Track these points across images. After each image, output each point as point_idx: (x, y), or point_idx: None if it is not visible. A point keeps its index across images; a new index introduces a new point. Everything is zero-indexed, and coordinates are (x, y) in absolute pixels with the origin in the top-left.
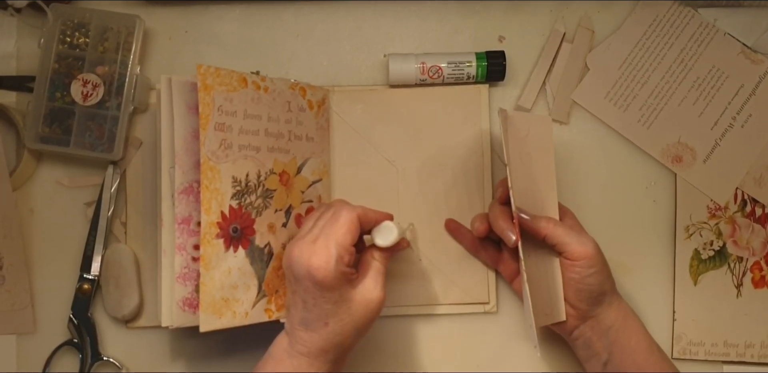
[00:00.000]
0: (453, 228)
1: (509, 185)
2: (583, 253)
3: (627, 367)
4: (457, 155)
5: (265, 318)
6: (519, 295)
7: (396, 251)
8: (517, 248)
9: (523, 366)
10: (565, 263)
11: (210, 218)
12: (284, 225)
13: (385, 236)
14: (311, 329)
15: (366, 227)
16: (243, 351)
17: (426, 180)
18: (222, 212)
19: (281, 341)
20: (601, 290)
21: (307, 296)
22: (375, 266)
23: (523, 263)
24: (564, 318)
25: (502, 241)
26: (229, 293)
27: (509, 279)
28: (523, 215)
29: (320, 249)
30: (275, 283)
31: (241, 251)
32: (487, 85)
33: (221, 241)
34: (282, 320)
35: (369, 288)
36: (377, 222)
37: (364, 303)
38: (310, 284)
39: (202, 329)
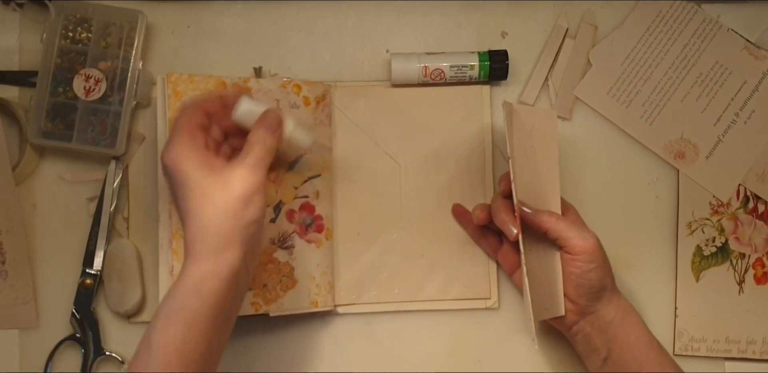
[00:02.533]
0: (459, 213)
1: (511, 178)
2: (584, 248)
3: (626, 363)
4: (458, 151)
5: (251, 311)
6: (519, 288)
7: (273, 128)
8: (517, 241)
9: (524, 362)
10: (565, 258)
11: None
12: (273, 221)
13: (241, 110)
14: (185, 224)
15: (215, 109)
16: (247, 345)
17: (428, 176)
18: None
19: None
20: (601, 286)
21: (175, 190)
22: (254, 150)
23: (523, 256)
24: (563, 313)
25: (503, 233)
26: None
27: (509, 272)
28: (525, 209)
29: (167, 141)
30: (262, 277)
31: None
32: (489, 86)
33: None
34: (271, 314)
35: (240, 175)
36: (230, 102)
37: (230, 191)
38: (169, 177)
39: None
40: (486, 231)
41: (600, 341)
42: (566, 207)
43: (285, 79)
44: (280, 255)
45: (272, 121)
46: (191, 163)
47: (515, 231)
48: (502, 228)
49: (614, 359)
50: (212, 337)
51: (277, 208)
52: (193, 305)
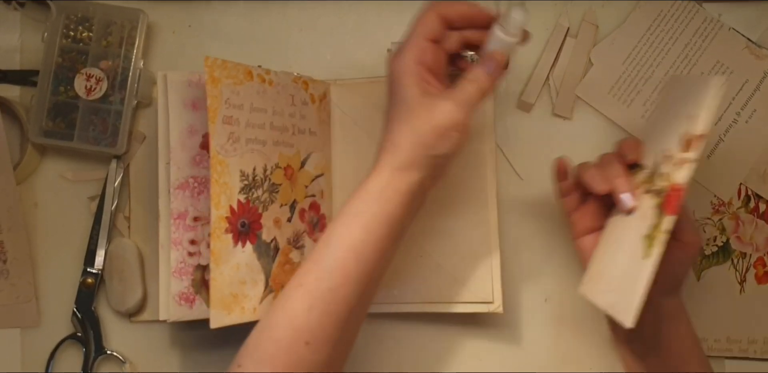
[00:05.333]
0: (561, 168)
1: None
2: (695, 242)
3: (672, 357)
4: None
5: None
6: (582, 255)
7: (496, 73)
8: (620, 211)
9: (528, 368)
10: (671, 247)
11: (219, 212)
12: (289, 220)
13: (510, 24)
14: (386, 129)
15: (458, 21)
16: None
17: None
18: (231, 207)
19: (375, 174)
20: (682, 281)
21: (391, 96)
22: (467, 88)
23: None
24: (631, 324)
25: (614, 200)
26: (238, 289)
27: (577, 233)
28: None
29: (400, 47)
30: (281, 278)
31: (248, 245)
32: None
33: (230, 236)
34: None
35: (447, 105)
36: (476, 18)
37: (438, 120)
38: (390, 81)
39: (213, 326)
40: (574, 187)
41: (650, 330)
42: None
43: (295, 74)
44: (295, 255)
45: (497, 65)
46: (412, 79)
47: (632, 203)
48: (616, 195)
49: (661, 351)
50: (385, 247)
51: (293, 207)
52: (371, 210)
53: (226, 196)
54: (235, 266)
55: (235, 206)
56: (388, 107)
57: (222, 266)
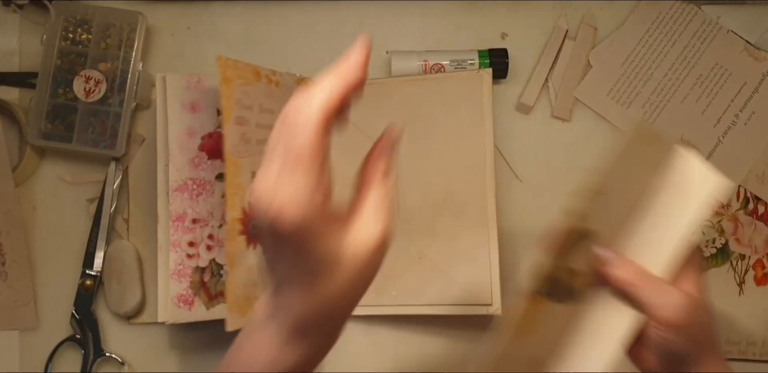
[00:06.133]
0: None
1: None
2: (668, 319)
3: None
4: (458, 149)
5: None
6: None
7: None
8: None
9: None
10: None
11: (233, 214)
12: None
13: None
14: (299, 298)
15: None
16: None
17: (426, 175)
18: (243, 209)
19: (261, 307)
20: (684, 352)
21: (283, 253)
22: (374, 193)
23: None
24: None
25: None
26: (251, 291)
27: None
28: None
29: (282, 184)
30: None
31: (260, 248)
32: (490, 70)
33: (243, 238)
34: None
35: (365, 224)
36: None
37: (361, 249)
38: (277, 237)
39: (229, 329)
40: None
41: None
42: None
43: (298, 75)
44: None
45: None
46: (322, 222)
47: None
48: None
49: None
50: None
51: None
52: None
53: (239, 197)
54: (248, 268)
55: (247, 208)
56: (288, 268)
57: (236, 268)
